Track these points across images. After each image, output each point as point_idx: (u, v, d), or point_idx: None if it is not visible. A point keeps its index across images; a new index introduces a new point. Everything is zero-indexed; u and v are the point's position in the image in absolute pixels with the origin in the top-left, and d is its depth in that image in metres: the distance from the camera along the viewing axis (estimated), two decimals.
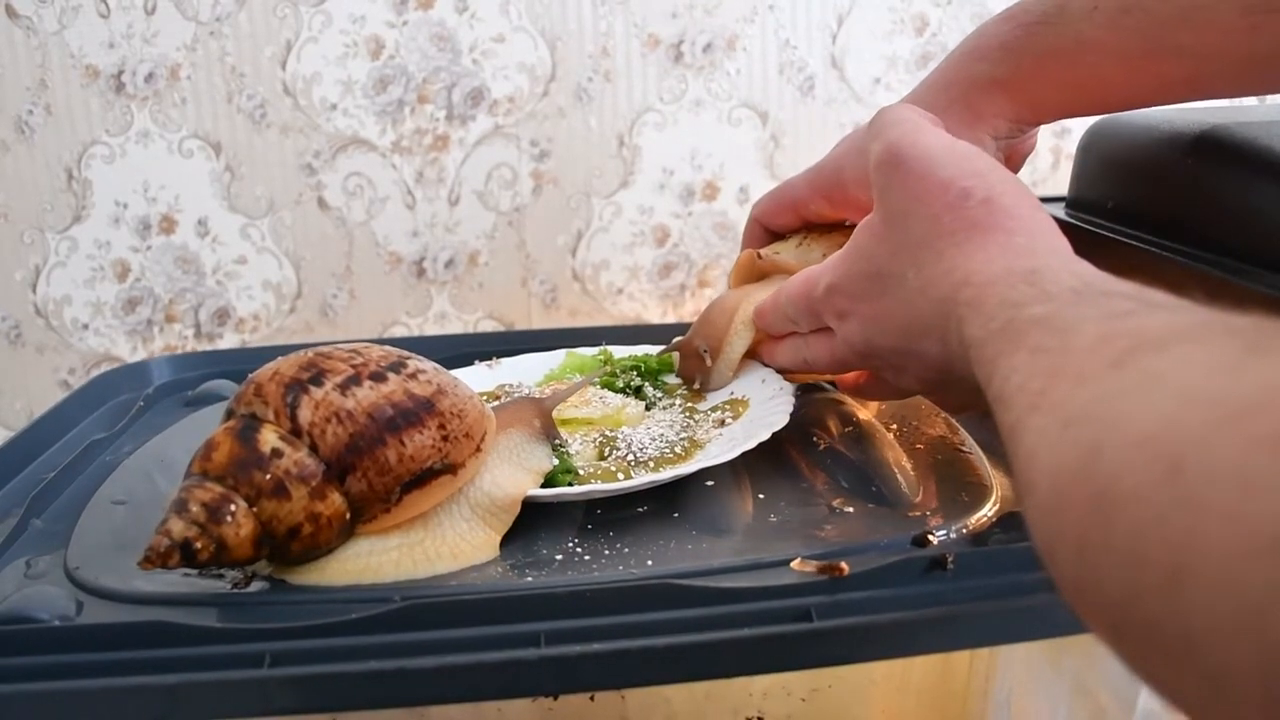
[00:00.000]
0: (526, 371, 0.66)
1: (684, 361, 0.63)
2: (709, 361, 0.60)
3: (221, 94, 0.88)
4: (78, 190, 0.89)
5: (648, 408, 0.60)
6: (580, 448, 0.53)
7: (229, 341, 0.94)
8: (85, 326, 0.92)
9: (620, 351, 0.67)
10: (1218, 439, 0.22)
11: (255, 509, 0.41)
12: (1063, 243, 0.39)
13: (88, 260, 0.90)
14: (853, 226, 0.66)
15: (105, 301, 0.91)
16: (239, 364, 0.74)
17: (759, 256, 0.64)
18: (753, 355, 0.62)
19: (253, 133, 0.89)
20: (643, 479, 0.48)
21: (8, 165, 0.88)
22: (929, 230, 0.42)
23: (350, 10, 0.87)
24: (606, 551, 0.45)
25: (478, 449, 0.46)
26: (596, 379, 0.61)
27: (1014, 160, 0.59)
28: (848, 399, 0.62)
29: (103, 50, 0.87)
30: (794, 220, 0.65)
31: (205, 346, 0.93)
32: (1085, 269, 0.36)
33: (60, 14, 0.86)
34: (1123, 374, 0.27)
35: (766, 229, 0.66)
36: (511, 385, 0.63)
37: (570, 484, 0.49)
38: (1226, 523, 0.21)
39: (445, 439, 0.44)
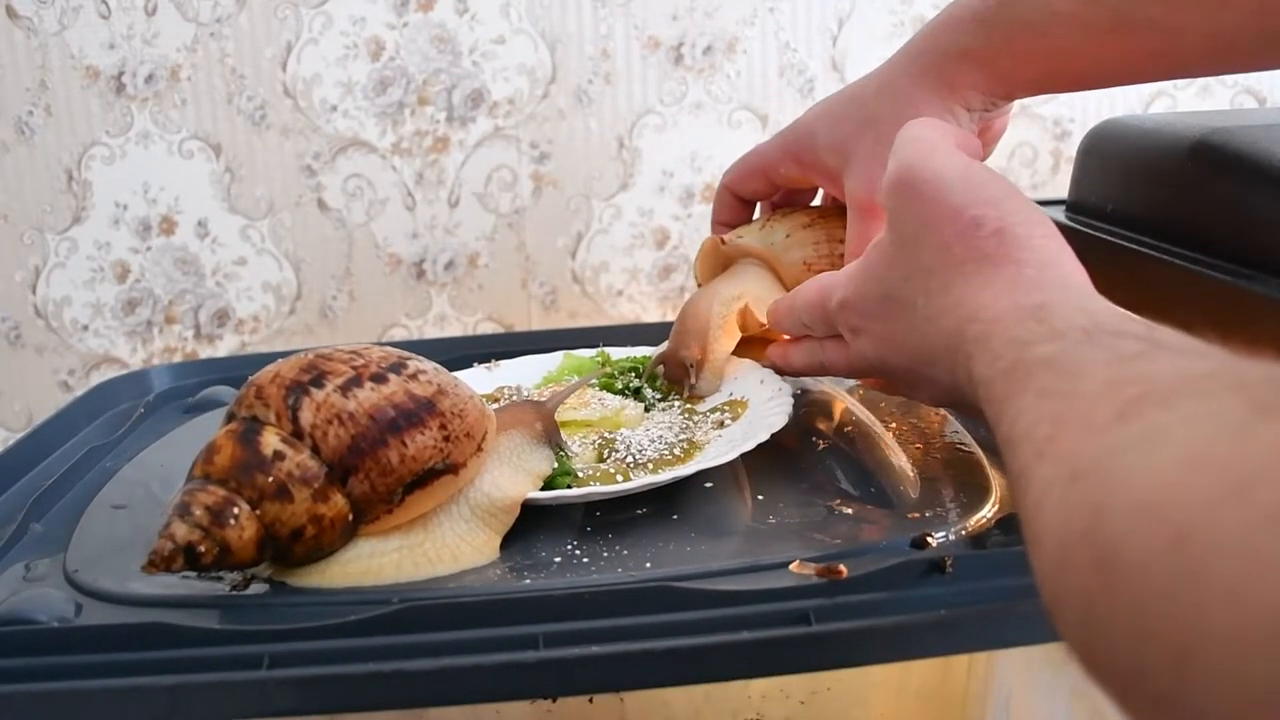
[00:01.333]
0: (524, 374, 0.66)
1: (670, 370, 0.62)
2: (694, 378, 0.60)
3: (222, 95, 0.88)
4: (78, 191, 0.89)
5: (646, 409, 0.60)
6: (579, 450, 0.53)
7: (228, 343, 0.93)
8: (85, 327, 0.92)
9: (620, 353, 0.67)
10: (1222, 511, 0.22)
11: (258, 511, 0.41)
12: (1077, 274, 0.39)
13: (87, 261, 0.90)
14: (815, 207, 0.66)
15: (105, 302, 0.91)
16: (238, 370, 0.74)
17: (723, 242, 0.64)
18: (751, 356, 0.62)
19: (253, 134, 0.89)
20: (641, 481, 0.48)
21: (8, 166, 0.88)
22: (938, 259, 0.41)
23: (350, 12, 0.87)
24: (605, 554, 0.45)
25: (479, 449, 0.46)
26: (594, 380, 0.61)
27: (987, 137, 0.59)
28: (846, 399, 0.62)
29: (103, 51, 0.87)
30: (764, 185, 0.65)
31: (205, 348, 0.93)
32: (1097, 306, 0.35)
33: (61, 15, 0.86)
34: (1128, 428, 0.26)
35: (736, 196, 0.66)
36: (510, 387, 0.63)
37: (569, 486, 0.49)
38: (1231, 603, 0.21)
39: (447, 439, 0.44)
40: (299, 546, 0.42)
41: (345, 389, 0.43)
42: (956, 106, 0.55)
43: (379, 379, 0.44)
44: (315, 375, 0.43)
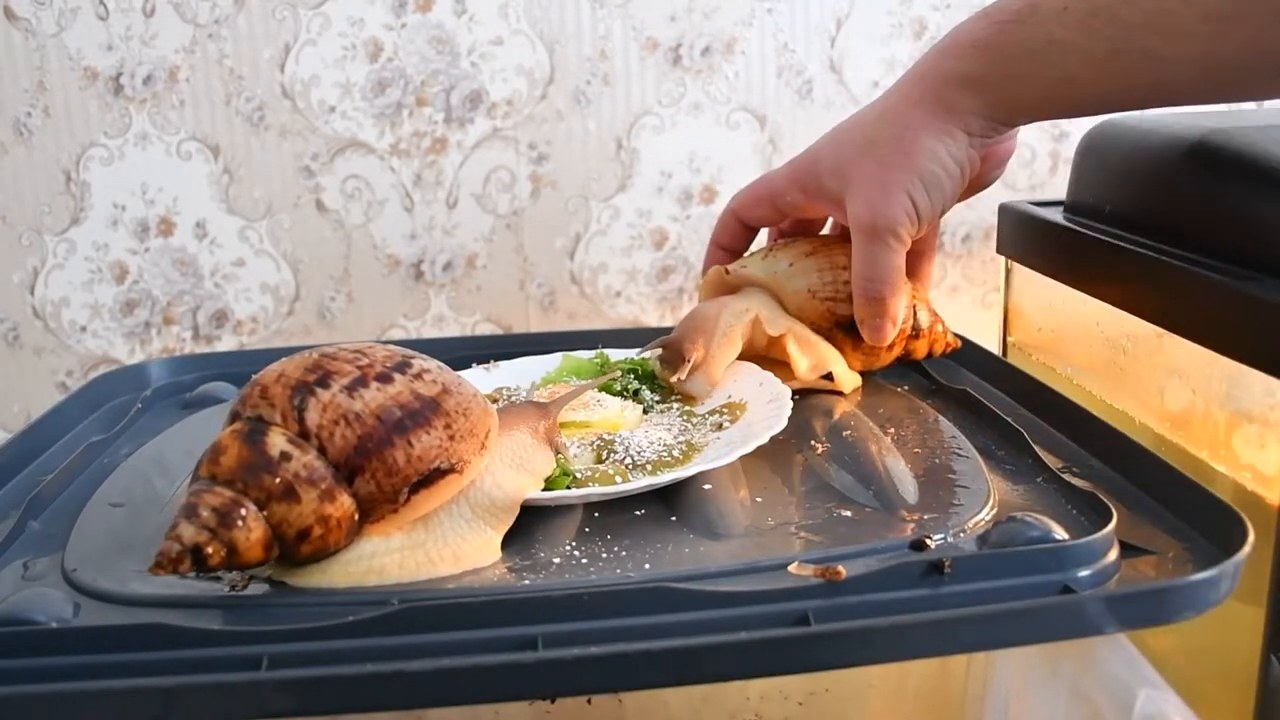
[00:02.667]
0: (523, 374, 0.66)
1: (668, 354, 0.63)
2: (685, 374, 0.61)
3: (220, 96, 0.88)
4: (76, 192, 0.89)
5: (645, 411, 0.60)
6: (578, 451, 0.53)
7: (227, 344, 0.93)
8: (83, 329, 0.92)
9: (618, 355, 0.67)
10: None
11: (265, 513, 0.41)
12: None
13: (86, 262, 0.90)
14: (817, 236, 0.67)
15: (103, 304, 0.91)
16: (237, 366, 0.74)
17: (727, 272, 0.65)
18: (756, 360, 0.63)
19: (251, 135, 0.89)
20: (640, 482, 0.49)
21: (6, 167, 0.88)
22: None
23: (349, 13, 0.87)
24: (604, 555, 0.45)
25: (482, 446, 0.46)
26: (598, 389, 0.61)
27: (992, 162, 0.59)
28: (845, 403, 0.62)
29: (101, 52, 0.87)
30: (770, 212, 0.65)
31: (203, 349, 0.93)
32: None
33: (59, 16, 0.86)
34: None
35: (742, 222, 0.67)
36: (509, 389, 0.63)
37: (568, 487, 0.49)
38: None
39: (452, 438, 0.44)
40: (306, 547, 0.42)
41: (351, 389, 0.43)
42: (956, 130, 0.55)
43: (384, 379, 0.44)
44: (321, 375, 0.43)
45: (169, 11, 0.86)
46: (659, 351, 0.64)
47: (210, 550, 0.40)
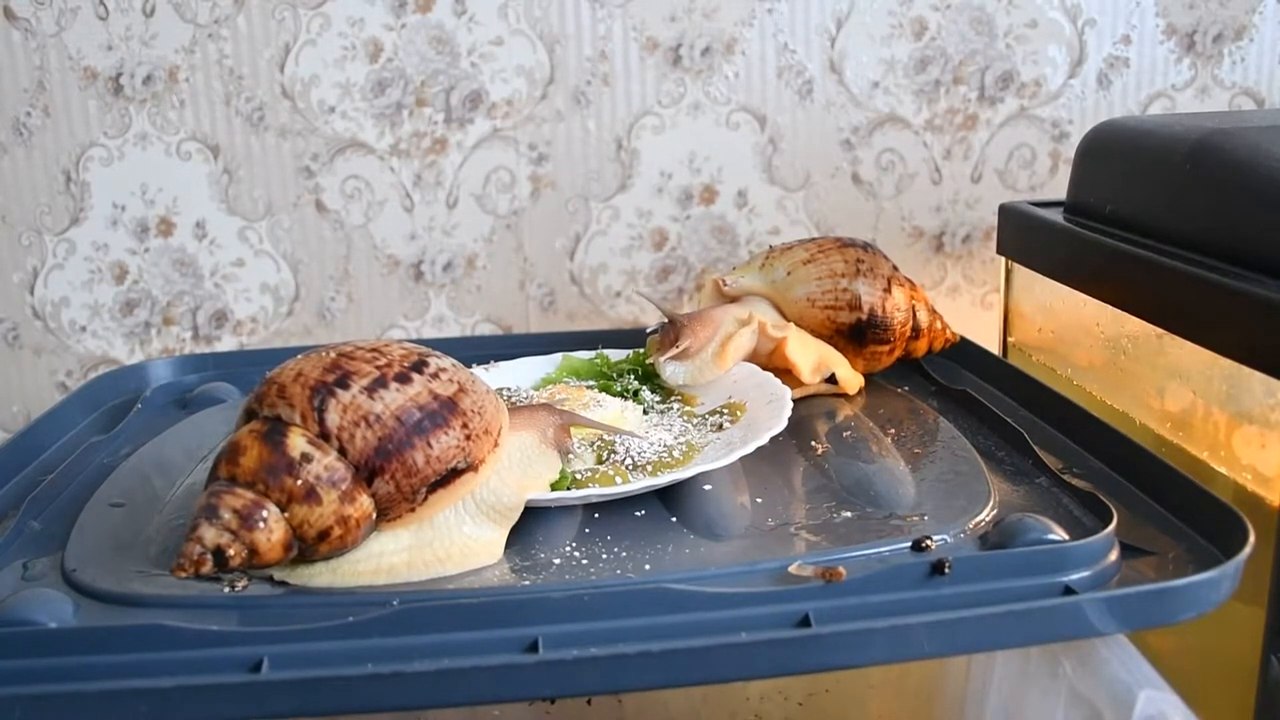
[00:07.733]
0: (522, 375, 0.66)
1: (664, 330, 0.63)
2: (673, 352, 0.61)
3: (220, 97, 0.88)
4: (75, 192, 0.89)
5: (645, 412, 0.60)
6: (578, 452, 0.53)
7: (226, 344, 0.93)
8: (83, 329, 0.92)
9: (618, 355, 0.67)
10: None
11: (287, 514, 0.41)
12: None
13: (85, 263, 0.90)
14: (812, 240, 0.67)
15: (103, 304, 0.91)
16: (236, 366, 0.74)
17: (724, 284, 0.66)
18: (758, 363, 0.63)
19: (251, 135, 0.89)
20: (640, 483, 0.48)
21: (5, 167, 0.88)
22: None
23: (349, 13, 0.87)
24: (604, 556, 0.45)
25: (495, 444, 0.46)
26: (597, 390, 0.61)
27: None
28: (845, 404, 0.62)
29: (101, 52, 0.87)
30: None
31: (203, 349, 0.93)
32: None
33: (58, 16, 0.86)
34: None
35: None
36: (509, 389, 0.63)
37: (568, 488, 0.49)
38: None
39: (468, 438, 0.44)
40: (324, 546, 0.42)
41: (371, 390, 0.43)
42: None
43: (403, 379, 0.44)
44: (340, 375, 0.43)
45: (169, 11, 0.86)
46: (663, 327, 0.64)
47: (232, 552, 0.40)
